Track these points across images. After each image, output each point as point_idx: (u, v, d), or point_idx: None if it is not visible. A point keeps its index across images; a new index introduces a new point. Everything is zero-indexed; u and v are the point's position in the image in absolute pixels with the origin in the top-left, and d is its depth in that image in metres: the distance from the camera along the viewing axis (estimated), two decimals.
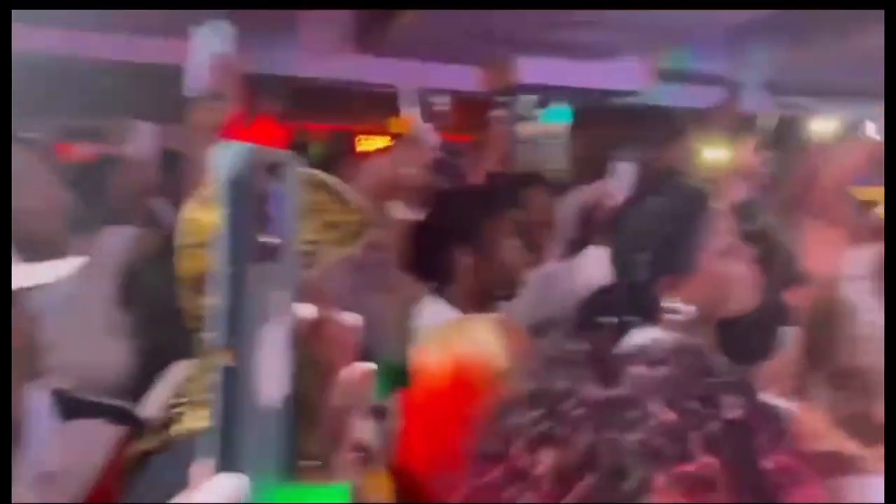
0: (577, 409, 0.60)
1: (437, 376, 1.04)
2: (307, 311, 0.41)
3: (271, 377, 0.39)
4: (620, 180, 2.64)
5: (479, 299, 1.77)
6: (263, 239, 0.38)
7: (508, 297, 1.85)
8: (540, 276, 2.24)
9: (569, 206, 2.73)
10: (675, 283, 1.43)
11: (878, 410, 0.85)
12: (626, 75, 4.27)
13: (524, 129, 4.22)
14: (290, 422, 0.40)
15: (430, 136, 2.07)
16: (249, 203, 0.38)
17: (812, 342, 0.94)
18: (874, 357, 0.86)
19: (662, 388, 0.61)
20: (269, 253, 0.38)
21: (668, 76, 4.29)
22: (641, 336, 1.38)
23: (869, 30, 3.66)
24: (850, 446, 0.88)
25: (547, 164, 3.92)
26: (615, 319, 1.39)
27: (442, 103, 2.69)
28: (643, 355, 0.64)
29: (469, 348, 1.05)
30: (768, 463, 0.60)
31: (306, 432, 0.40)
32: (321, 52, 4.25)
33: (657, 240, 1.46)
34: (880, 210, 2.27)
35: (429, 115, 2.39)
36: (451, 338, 1.10)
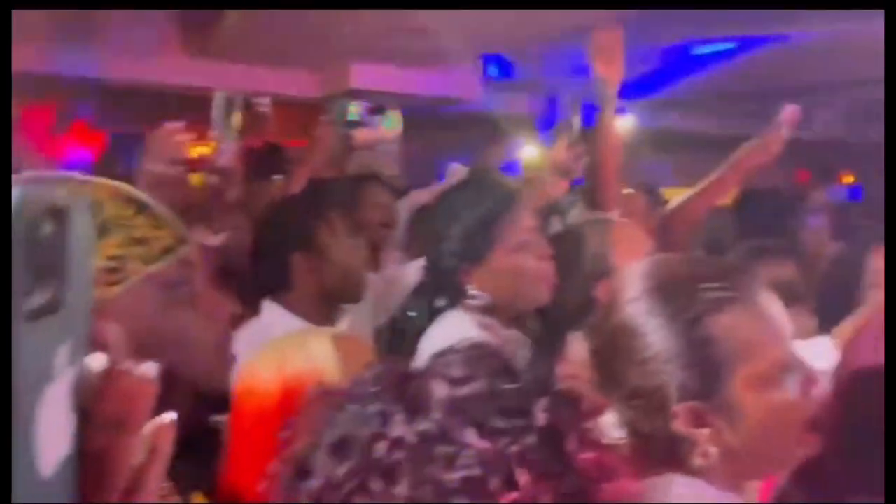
0: (391, 453, 0.58)
1: (266, 396, 0.99)
2: (97, 363, 0.37)
3: (52, 439, 0.35)
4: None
5: (322, 304, 1.75)
6: (40, 293, 0.34)
7: (354, 301, 1.84)
8: (382, 279, 2.24)
9: (404, 209, 2.75)
10: (472, 272, 1.55)
11: (677, 424, 0.89)
12: (455, 83, 4.36)
13: (359, 135, 4.21)
14: (74, 486, 0.36)
15: (228, 143, 1.98)
16: (20, 254, 0.33)
17: (600, 366, 0.96)
18: (663, 376, 0.89)
19: (470, 410, 0.60)
20: (49, 307, 0.34)
21: (495, 84, 4.44)
22: (442, 334, 1.42)
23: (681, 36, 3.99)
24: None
25: (381, 168, 3.92)
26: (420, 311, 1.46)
27: (264, 105, 2.62)
28: (445, 372, 0.63)
29: (302, 365, 1.01)
30: (580, 461, 0.62)
31: (96, 495, 0.36)
32: (139, 54, 4.00)
33: (459, 231, 1.55)
34: (675, 202, 2.48)
35: (251, 118, 2.31)
36: (283, 354, 1.05)
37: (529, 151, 3.59)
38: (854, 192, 5.21)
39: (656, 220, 2.37)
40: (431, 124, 4.75)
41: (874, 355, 1.03)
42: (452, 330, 1.48)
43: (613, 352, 0.94)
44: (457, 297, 1.56)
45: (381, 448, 0.58)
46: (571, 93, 4.51)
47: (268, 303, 1.79)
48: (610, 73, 2.09)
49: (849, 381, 1.00)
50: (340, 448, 0.60)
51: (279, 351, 1.07)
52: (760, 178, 2.62)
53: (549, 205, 2.07)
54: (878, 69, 4.66)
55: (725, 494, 0.90)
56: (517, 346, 1.56)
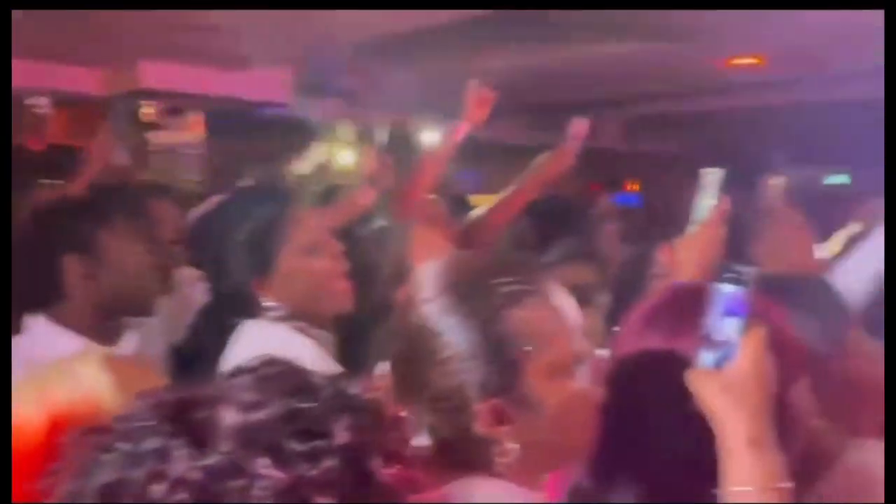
0: (173, 494, 0.53)
1: (28, 435, 0.88)
2: None
3: None
4: None
5: (102, 317, 1.57)
6: None
7: (142, 313, 1.67)
8: (177, 296, 2.10)
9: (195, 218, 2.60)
10: (264, 283, 1.47)
11: (478, 424, 0.89)
12: (262, 86, 4.23)
13: (156, 138, 3.95)
14: None
15: None
16: None
17: (401, 370, 0.96)
18: (463, 375, 0.89)
19: (264, 437, 0.56)
20: None
21: (303, 89, 4.36)
22: (246, 348, 1.36)
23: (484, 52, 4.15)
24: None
25: (182, 173, 3.72)
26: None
27: (42, 107, 2.39)
28: (234, 397, 0.59)
29: (70, 395, 0.90)
30: (384, 478, 0.60)
31: None
32: None
33: (239, 241, 1.48)
34: (477, 212, 2.60)
35: (29, 120, 2.10)
36: (46, 383, 0.93)
37: (341, 158, 3.56)
38: (636, 199, 5.68)
39: (459, 228, 2.44)
40: (240, 129, 4.58)
41: (637, 341, 1.10)
42: (256, 342, 1.40)
43: (413, 355, 0.92)
44: (252, 312, 1.47)
45: (159, 490, 0.53)
46: (384, 103, 4.56)
47: (32, 317, 1.58)
48: (477, 119, 2.30)
49: (615, 367, 1.05)
50: (110, 493, 0.54)
51: (41, 380, 0.94)
52: (560, 186, 2.80)
53: (359, 213, 2.05)
54: (654, 85, 5.10)
55: (525, 491, 0.92)
56: (327, 347, 1.49)
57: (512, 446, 0.89)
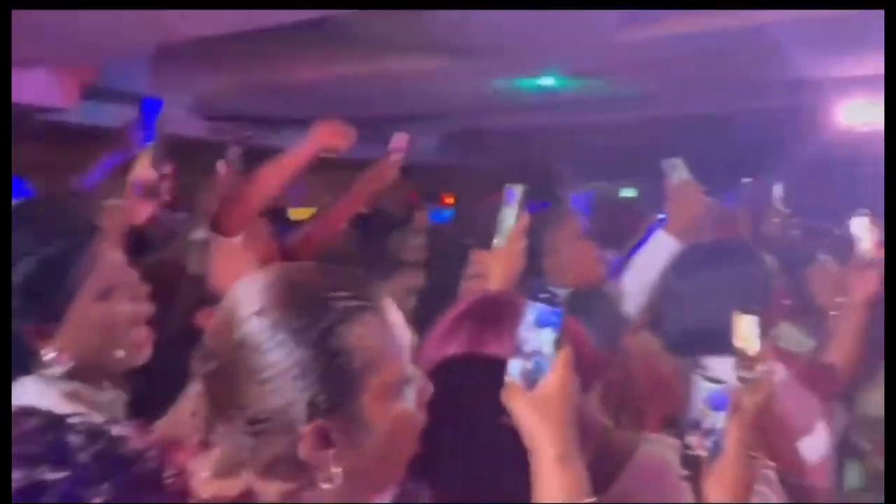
0: None
1: None
2: None
3: None
4: None
5: None
6: None
7: None
8: None
9: None
10: (47, 331, 1.22)
11: (302, 448, 0.84)
12: (45, 88, 3.85)
13: None
14: None
15: None
16: None
17: (215, 393, 0.88)
18: (290, 394, 0.84)
19: None
20: None
21: (92, 93, 4.05)
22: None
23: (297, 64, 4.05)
24: (262, 485, 0.87)
25: None
26: None
27: None
28: None
29: None
30: None
31: None
32: None
33: (15, 281, 1.21)
34: (303, 228, 2.56)
35: None
36: None
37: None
38: (451, 212, 5.82)
39: (281, 244, 2.39)
40: (17, 136, 4.15)
41: (442, 346, 1.09)
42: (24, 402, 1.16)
43: (232, 375, 0.85)
44: (26, 366, 1.21)
45: None
46: (190, 111, 4.33)
47: None
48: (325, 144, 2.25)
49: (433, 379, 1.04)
50: None
51: None
52: (383, 200, 2.82)
53: (135, 233, 1.81)
54: (464, 101, 5.30)
55: None
56: (115, 411, 1.27)
57: (336, 471, 0.85)
